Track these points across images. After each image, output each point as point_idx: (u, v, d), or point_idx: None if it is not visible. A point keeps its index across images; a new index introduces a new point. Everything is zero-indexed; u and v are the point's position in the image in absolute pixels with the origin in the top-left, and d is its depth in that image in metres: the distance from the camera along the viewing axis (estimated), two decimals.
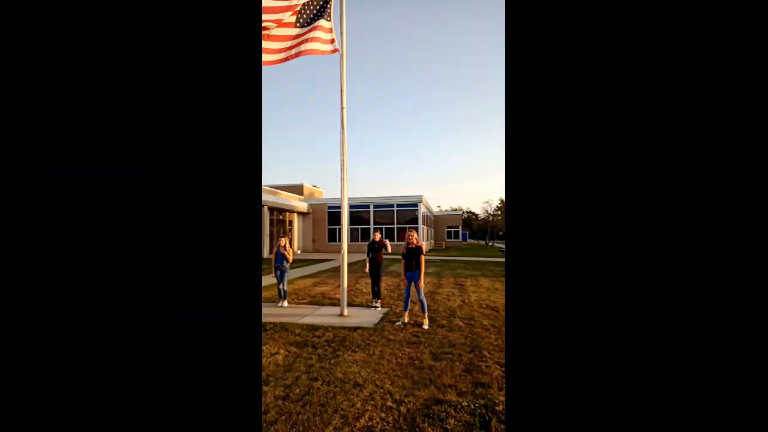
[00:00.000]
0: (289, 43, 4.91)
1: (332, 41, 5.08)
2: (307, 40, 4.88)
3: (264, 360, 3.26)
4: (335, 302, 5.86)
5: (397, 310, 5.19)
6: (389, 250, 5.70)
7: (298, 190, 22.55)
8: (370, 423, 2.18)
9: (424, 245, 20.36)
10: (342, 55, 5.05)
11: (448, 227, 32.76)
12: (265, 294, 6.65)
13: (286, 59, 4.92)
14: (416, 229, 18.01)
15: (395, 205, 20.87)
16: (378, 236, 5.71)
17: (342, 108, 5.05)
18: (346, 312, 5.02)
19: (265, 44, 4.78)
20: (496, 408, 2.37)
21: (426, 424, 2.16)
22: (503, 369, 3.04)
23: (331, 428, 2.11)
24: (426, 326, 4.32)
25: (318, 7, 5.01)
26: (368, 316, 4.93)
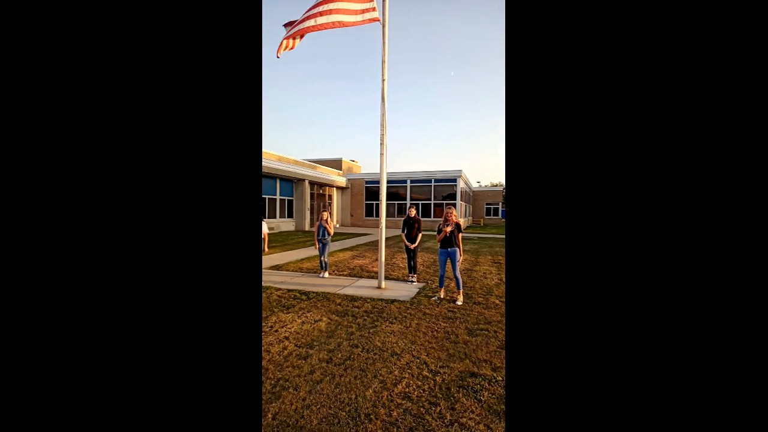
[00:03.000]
0: (321, 8, 4.70)
1: (367, 10, 4.85)
2: (340, 11, 4.71)
3: (309, 326, 3.52)
4: (373, 275, 6.07)
5: (433, 286, 5.27)
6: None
7: (336, 164, 22.81)
8: (407, 389, 2.31)
9: (462, 222, 20.02)
10: (384, 24, 4.89)
11: (487, 204, 31.74)
12: (307, 265, 7.04)
13: (320, 27, 4.65)
14: (454, 206, 17.64)
15: (433, 180, 20.39)
16: (413, 212, 5.72)
17: (383, 80, 4.96)
18: (383, 285, 5.19)
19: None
20: None
21: (461, 395, 2.25)
22: None
23: (371, 391, 2.28)
24: (460, 302, 4.37)
25: None
26: (405, 290, 5.06)
